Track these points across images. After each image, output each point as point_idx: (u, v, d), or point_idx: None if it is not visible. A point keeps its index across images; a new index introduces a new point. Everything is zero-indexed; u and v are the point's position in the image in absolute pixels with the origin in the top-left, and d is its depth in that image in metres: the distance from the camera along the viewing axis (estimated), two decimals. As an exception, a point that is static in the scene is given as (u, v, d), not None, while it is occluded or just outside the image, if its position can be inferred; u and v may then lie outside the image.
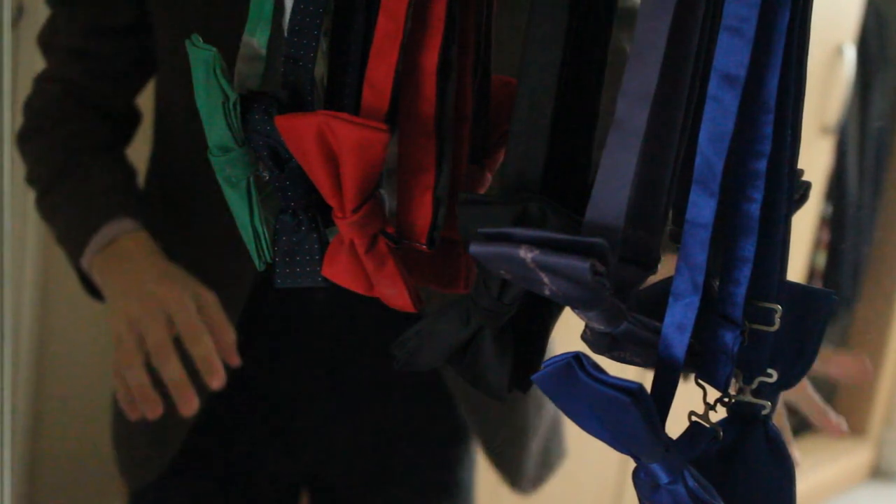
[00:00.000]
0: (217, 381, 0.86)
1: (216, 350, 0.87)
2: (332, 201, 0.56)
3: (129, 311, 0.89)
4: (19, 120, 1.06)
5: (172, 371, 0.86)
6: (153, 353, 0.87)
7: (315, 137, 0.54)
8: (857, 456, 2.70)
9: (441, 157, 0.56)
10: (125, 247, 0.95)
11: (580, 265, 0.43)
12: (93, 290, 1.00)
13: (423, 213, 0.57)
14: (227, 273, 0.98)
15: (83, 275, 0.99)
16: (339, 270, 0.60)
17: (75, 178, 1.01)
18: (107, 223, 0.96)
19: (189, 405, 0.86)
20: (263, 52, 0.59)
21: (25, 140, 1.04)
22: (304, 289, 0.61)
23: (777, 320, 0.49)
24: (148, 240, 0.95)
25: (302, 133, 0.54)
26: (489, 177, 0.62)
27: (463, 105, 0.58)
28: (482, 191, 0.62)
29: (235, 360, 0.89)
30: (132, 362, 0.87)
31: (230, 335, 0.90)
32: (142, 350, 0.88)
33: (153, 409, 0.87)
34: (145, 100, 1.10)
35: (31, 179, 1.04)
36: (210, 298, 0.90)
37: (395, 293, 0.59)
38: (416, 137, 0.56)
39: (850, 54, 2.36)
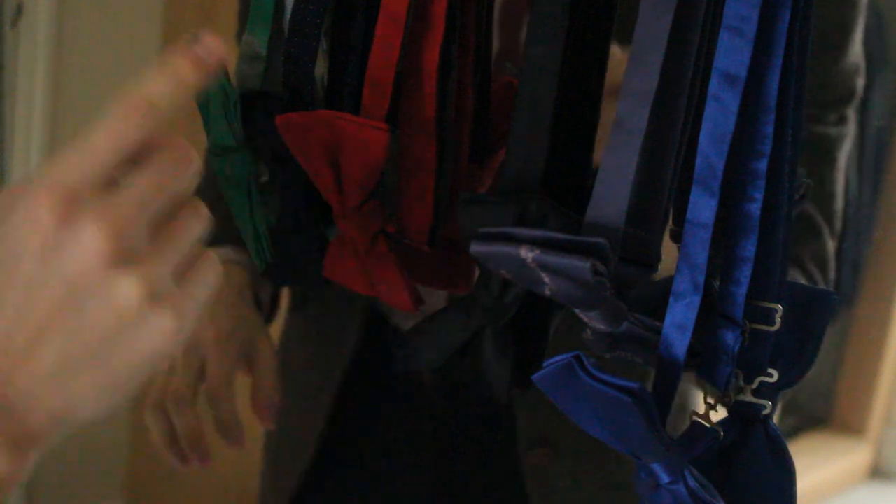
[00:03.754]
0: (234, 445, 0.78)
1: (234, 415, 0.78)
2: (332, 201, 0.56)
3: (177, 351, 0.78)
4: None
5: (183, 422, 0.78)
6: (168, 401, 0.79)
7: (316, 137, 0.54)
8: (856, 456, 2.70)
9: (441, 156, 0.56)
10: None
11: (581, 265, 0.43)
12: None
13: (423, 213, 0.57)
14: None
15: None
16: (339, 270, 0.60)
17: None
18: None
19: (199, 460, 0.78)
20: (263, 51, 0.59)
21: None
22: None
23: (777, 320, 0.49)
24: (240, 273, 0.84)
25: (303, 132, 0.54)
26: (489, 177, 0.62)
27: (463, 105, 0.58)
28: (482, 190, 0.62)
29: (269, 425, 0.81)
30: (157, 406, 0.79)
31: (268, 399, 0.81)
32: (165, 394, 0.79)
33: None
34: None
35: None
36: (266, 353, 0.81)
37: (395, 292, 0.59)
38: (417, 137, 0.56)
39: (850, 54, 2.35)
